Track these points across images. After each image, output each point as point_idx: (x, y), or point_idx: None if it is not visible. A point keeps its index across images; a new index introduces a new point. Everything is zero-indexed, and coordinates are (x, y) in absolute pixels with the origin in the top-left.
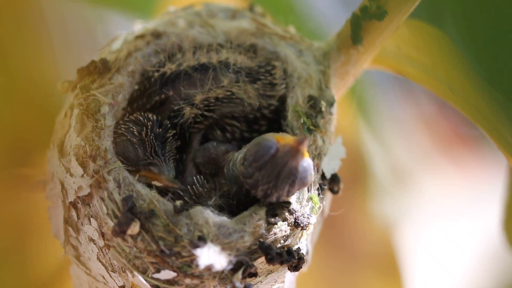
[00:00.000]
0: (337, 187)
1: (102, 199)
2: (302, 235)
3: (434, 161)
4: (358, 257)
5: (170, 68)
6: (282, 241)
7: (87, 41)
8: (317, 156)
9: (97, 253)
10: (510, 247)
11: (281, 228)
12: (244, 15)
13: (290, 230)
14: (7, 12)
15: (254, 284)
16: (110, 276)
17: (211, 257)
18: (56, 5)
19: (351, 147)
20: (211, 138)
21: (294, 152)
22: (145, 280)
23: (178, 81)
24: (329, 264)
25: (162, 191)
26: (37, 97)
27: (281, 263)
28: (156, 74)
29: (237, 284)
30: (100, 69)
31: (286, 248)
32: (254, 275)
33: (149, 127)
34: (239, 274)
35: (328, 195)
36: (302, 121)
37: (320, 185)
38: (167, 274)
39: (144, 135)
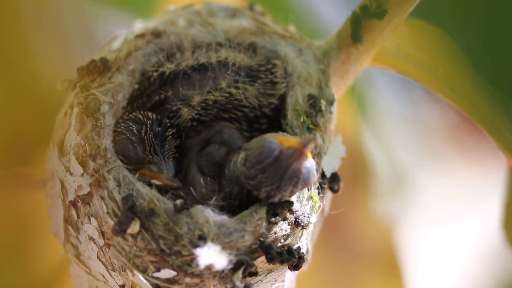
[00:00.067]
0: (337, 186)
1: (102, 198)
2: (302, 234)
3: (434, 160)
4: (359, 256)
5: (169, 68)
6: (282, 240)
7: (87, 40)
8: (317, 155)
9: (97, 252)
10: (510, 246)
11: (282, 227)
12: (244, 14)
13: (291, 229)
14: (8, 10)
15: (254, 283)
16: (110, 275)
17: (211, 256)
18: (56, 4)
19: (351, 146)
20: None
21: (299, 154)
22: (145, 279)
23: (177, 81)
24: (329, 263)
25: (161, 190)
26: (37, 96)
27: (282, 262)
28: (155, 74)
29: (237, 283)
30: (100, 68)
31: (286, 247)
32: (255, 274)
33: (149, 125)
34: (240, 273)
35: (328, 194)
36: (301, 120)
37: (320, 184)
38: (167, 273)
39: (143, 134)
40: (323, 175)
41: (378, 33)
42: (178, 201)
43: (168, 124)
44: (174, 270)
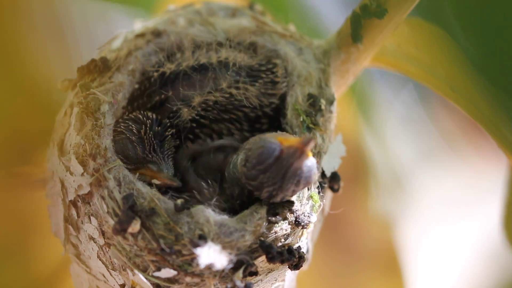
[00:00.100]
0: (337, 185)
1: (103, 198)
2: (302, 233)
3: (435, 159)
4: (359, 256)
5: (169, 68)
6: (282, 240)
7: (87, 40)
8: (317, 155)
9: (97, 251)
10: (511, 245)
11: (282, 226)
12: (244, 13)
13: (291, 228)
14: (9, 10)
15: (255, 283)
16: (111, 275)
17: (212, 256)
18: (57, 3)
19: (351, 145)
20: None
21: (300, 153)
22: (146, 278)
23: (177, 81)
24: (329, 262)
25: (161, 190)
26: (37, 95)
27: (282, 262)
28: (155, 74)
29: (238, 282)
30: (100, 67)
31: (286, 247)
32: (255, 273)
33: (148, 125)
34: (240, 273)
35: (329, 193)
36: (301, 119)
37: (320, 183)
38: (167, 272)
39: (143, 133)
40: (323, 174)
41: (378, 33)
42: (179, 201)
43: (168, 124)
44: (174, 269)
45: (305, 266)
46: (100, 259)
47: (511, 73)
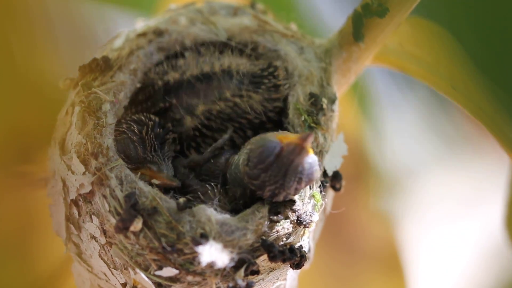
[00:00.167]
0: (339, 184)
1: (104, 197)
2: (304, 232)
3: (436, 158)
4: (361, 254)
5: (173, 77)
6: (284, 239)
7: (89, 38)
8: (318, 154)
9: (99, 250)
10: None
11: (284, 226)
12: (245, 12)
13: (293, 228)
14: (11, 9)
15: (256, 282)
16: (112, 274)
17: (213, 254)
18: (58, 2)
19: (353, 144)
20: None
21: (299, 149)
22: (147, 277)
23: (181, 90)
24: (331, 261)
25: (162, 189)
26: (39, 94)
27: (283, 261)
28: (160, 82)
29: (239, 281)
30: (101, 66)
31: (288, 246)
32: (256, 272)
33: (150, 126)
34: (241, 271)
35: (330, 192)
36: (303, 119)
37: (322, 182)
38: (169, 271)
39: (144, 134)
40: (325, 173)
41: (379, 31)
42: (181, 200)
43: (170, 129)
44: (176, 268)
45: (306, 265)
46: (101, 258)
47: None
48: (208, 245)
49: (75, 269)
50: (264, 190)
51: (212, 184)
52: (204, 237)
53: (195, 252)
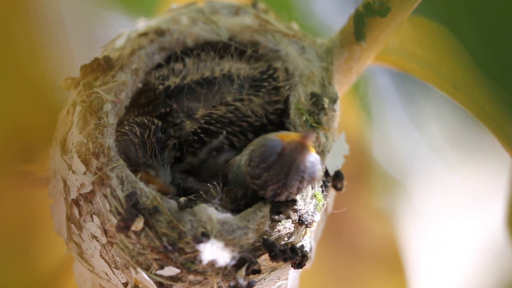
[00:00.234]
0: (341, 184)
1: (105, 196)
2: (306, 232)
3: (438, 158)
4: (362, 254)
5: (174, 81)
6: (285, 238)
7: (91, 38)
8: (320, 153)
9: (100, 250)
10: None
11: (285, 225)
12: (247, 11)
13: (294, 227)
14: (13, 9)
15: (258, 281)
16: (113, 273)
17: (214, 252)
18: (60, 2)
19: (354, 143)
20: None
21: (301, 147)
22: (149, 276)
23: (182, 95)
24: (332, 261)
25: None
26: (41, 94)
27: (285, 260)
28: (160, 87)
29: (241, 280)
30: (103, 66)
31: (289, 246)
32: (258, 272)
33: (152, 130)
34: (243, 270)
35: (332, 192)
36: (304, 119)
37: (323, 182)
38: (170, 270)
39: (145, 137)
40: (326, 173)
41: (381, 31)
42: (182, 199)
43: (172, 134)
44: (177, 267)
45: (308, 265)
46: (102, 258)
47: None
48: (209, 243)
49: (76, 268)
50: (266, 189)
51: (214, 182)
52: (205, 236)
53: (196, 251)
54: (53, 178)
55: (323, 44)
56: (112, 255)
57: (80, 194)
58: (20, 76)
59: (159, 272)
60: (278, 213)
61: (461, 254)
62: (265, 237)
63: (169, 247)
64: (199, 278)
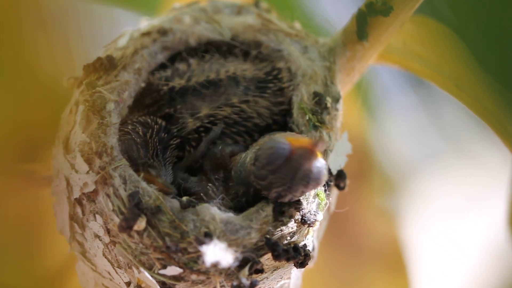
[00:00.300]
0: (343, 183)
1: (108, 196)
2: (308, 231)
3: (440, 157)
4: (364, 253)
5: (179, 83)
6: (288, 238)
7: (93, 37)
8: (323, 153)
9: (103, 249)
10: None
11: (288, 224)
12: (249, 11)
13: (297, 226)
14: (16, 8)
15: (260, 280)
16: (116, 272)
17: (217, 254)
18: (63, 2)
19: (357, 143)
20: None
21: (310, 154)
22: (151, 276)
23: (186, 96)
24: (335, 260)
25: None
26: (44, 93)
27: (288, 259)
28: (165, 88)
29: (243, 280)
30: (106, 66)
31: (292, 245)
32: (261, 271)
33: (155, 129)
34: (246, 270)
35: (334, 191)
36: (307, 118)
37: (326, 181)
38: (173, 270)
39: (148, 137)
40: (329, 172)
41: (383, 30)
42: (184, 198)
43: (175, 134)
44: (180, 267)
45: (311, 264)
46: (105, 257)
47: None
48: (212, 244)
49: (79, 268)
50: (270, 191)
51: (210, 185)
52: (208, 236)
53: (199, 250)
54: (56, 177)
55: (326, 44)
56: (115, 254)
57: (83, 193)
58: (23, 75)
59: (162, 271)
60: (281, 213)
61: (464, 254)
62: (268, 236)
63: (173, 247)
64: (202, 277)
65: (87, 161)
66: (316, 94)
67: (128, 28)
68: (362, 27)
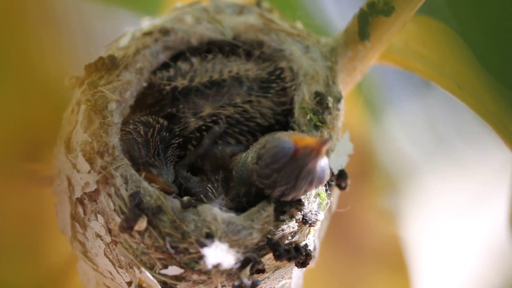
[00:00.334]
0: (345, 183)
1: (109, 195)
2: (309, 231)
3: (441, 157)
4: (365, 253)
5: (182, 83)
6: (289, 238)
7: (95, 37)
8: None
9: (104, 249)
10: None
11: (289, 224)
12: (251, 10)
13: (298, 226)
14: (18, 8)
15: (262, 280)
16: (117, 272)
17: (219, 256)
18: (65, 1)
19: (358, 143)
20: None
21: (315, 154)
22: (153, 276)
23: (189, 96)
24: (336, 260)
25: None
26: (46, 93)
27: (289, 259)
28: (167, 87)
29: (245, 280)
30: (108, 65)
31: (293, 245)
32: (262, 271)
33: (157, 129)
34: (247, 270)
35: (336, 191)
36: (308, 118)
37: (327, 181)
38: (174, 270)
39: (149, 136)
40: (330, 172)
41: (385, 30)
42: (185, 198)
43: (177, 133)
44: (181, 267)
45: (312, 264)
46: (107, 257)
47: None
48: (213, 246)
49: (81, 267)
50: (274, 189)
51: (209, 186)
52: (209, 237)
53: (200, 251)
54: (57, 177)
55: (328, 43)
56: (116, 254)
57: (85, 193)
58: (25, 75)
59: (163, 271)
60: (282, 213)
61: (465, 254)
62: (269, 236)
63: (171, 250)
64: (203, 277)
65: (89, 160)
66: (317, 94)
67: (130, 28)
68: (363, 27)
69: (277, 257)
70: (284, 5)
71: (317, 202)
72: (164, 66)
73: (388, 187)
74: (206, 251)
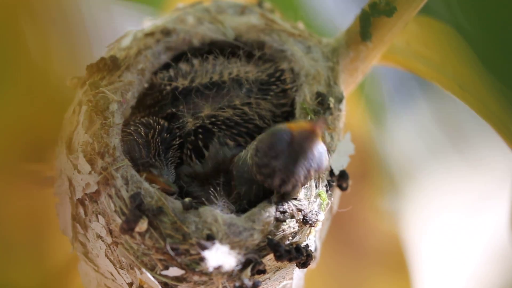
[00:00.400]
0: (346, 183)
1: (110, 196)
2: (310, 232)
3: (443, 157)
4: (367, 254)
5: (182, 83)
6: (290, 238)
7: (97, 37)
8: (324, 141)
9: (105, 250)
10: None
11: (290, 225)
12: (253, 11)
13: (299, 227)
14: (20, 8)
15: (263, 281)
16: (118, 273)
17: (220, 258)
18: (66, 1)
19: (360, 143)
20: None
21: (312, 135)
22: (153, 277)
23: (189, 96)
24: (337, 260)
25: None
26: (47, 93)
27: (290, 260)
28: (168, 87)
29: (246, 281)
30: (109, 66)
31: (294, 245)
32: (263, 272)
33: (157, 130)
34: (248, 271)
35: (337, 191)
36: (309, 118)
37: (328, 181)
38: (175, 271)
39: (150, 137)
40: (331, 172)
41: (387, 31)
42: (187, 199)
43: (177, 134)
44: (182, 268)
45: (313, 265)
46: (108, 258)
47: None
48: (214, 248)
49: (82, 268)
50: (273, 178)
51: (211, 189)
52: (210, 239)
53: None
54: (58, 177)
55: (329, 44)
56: (117, 255)
57: (85, 194)
58: (26, 75)
59: (164, 272)
60: (283, 213)
61: (467, 255)
62: (270, 237)
63: (171, 252)
64: (204, 278)
65: (90, 161)
66: (319, 95)
67: (131, 28)
68: (365, 27)
69: (278, 257)
70: (286, 5)
71: (317, 203)
72: (165, 66)
73: (389, 188)
74: (207, 253)
